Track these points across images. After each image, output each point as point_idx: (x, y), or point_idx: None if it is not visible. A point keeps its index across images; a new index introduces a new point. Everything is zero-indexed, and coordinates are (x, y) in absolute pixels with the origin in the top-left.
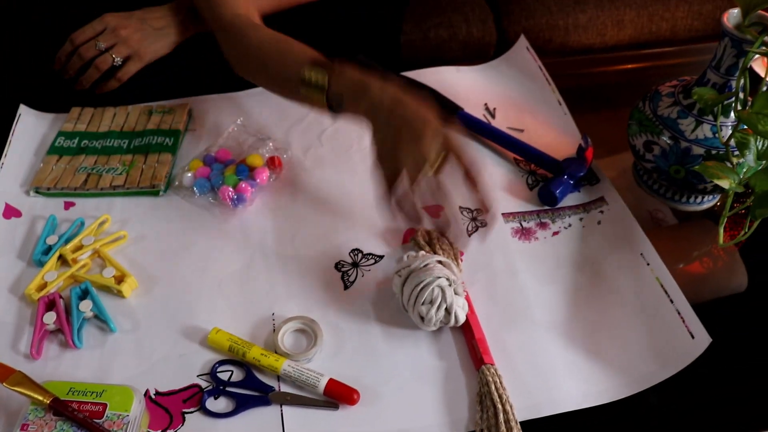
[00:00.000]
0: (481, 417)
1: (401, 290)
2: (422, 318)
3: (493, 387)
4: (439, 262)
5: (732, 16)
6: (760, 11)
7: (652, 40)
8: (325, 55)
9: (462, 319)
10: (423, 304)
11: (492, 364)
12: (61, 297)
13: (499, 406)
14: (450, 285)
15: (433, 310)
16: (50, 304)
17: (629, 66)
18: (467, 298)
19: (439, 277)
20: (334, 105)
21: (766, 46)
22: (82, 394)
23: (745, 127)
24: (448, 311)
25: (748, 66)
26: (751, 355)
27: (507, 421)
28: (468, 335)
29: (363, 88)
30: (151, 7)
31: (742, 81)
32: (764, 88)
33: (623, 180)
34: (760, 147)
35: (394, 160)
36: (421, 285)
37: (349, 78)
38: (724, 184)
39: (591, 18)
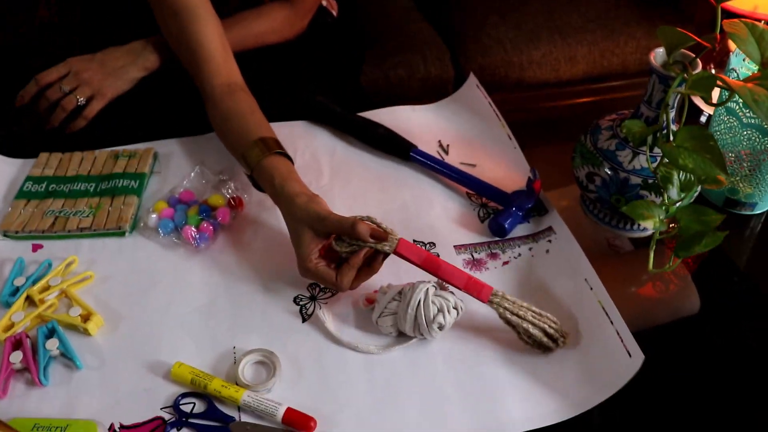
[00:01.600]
0: (518, 335)
1: (403, 322)
2: (441, 327)
3: (510, 304)
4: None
5: (658, 54)
6: (682, 50)
7: (605, 74)
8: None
9: (461, 304)
10: (435, 317)
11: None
12: (27, 336)
13: (523, 312)
14: (435, 287)
15: (448, 316)
16: (17, 344)
17: (582, 100)
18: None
19: (426, 288)
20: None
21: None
22: (46, 430)
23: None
24: (455, 307)
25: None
26: (698, 373)
27: (539, 317)
28: (459, 283)
29: (269, 183)
30: (112, 47)
31: (666, 115)
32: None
33: (576, 209)
34: (682, 179)
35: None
36: (420, 303)
37: (262, 171)
38: (649, 224)
39: (544, 54)
